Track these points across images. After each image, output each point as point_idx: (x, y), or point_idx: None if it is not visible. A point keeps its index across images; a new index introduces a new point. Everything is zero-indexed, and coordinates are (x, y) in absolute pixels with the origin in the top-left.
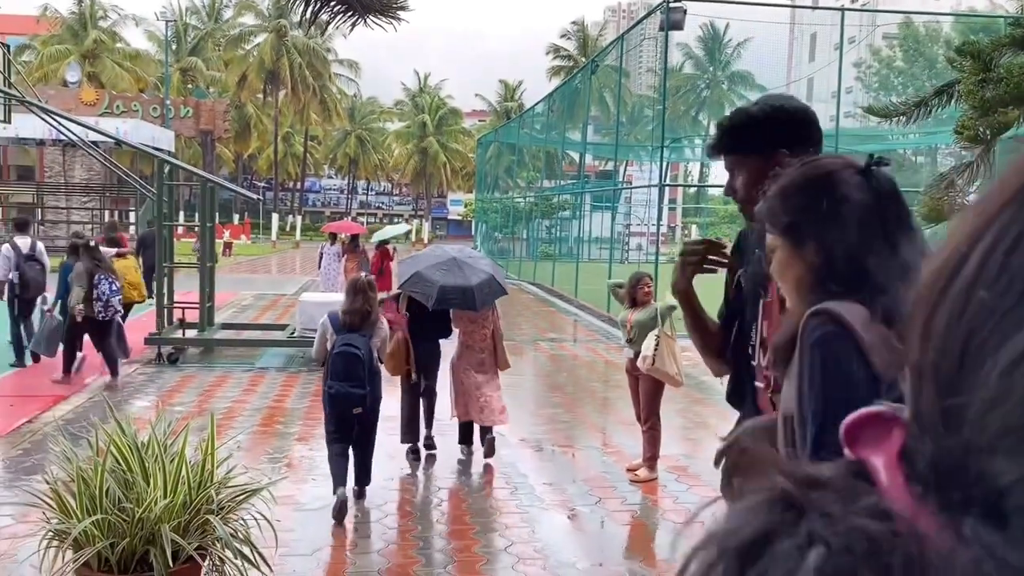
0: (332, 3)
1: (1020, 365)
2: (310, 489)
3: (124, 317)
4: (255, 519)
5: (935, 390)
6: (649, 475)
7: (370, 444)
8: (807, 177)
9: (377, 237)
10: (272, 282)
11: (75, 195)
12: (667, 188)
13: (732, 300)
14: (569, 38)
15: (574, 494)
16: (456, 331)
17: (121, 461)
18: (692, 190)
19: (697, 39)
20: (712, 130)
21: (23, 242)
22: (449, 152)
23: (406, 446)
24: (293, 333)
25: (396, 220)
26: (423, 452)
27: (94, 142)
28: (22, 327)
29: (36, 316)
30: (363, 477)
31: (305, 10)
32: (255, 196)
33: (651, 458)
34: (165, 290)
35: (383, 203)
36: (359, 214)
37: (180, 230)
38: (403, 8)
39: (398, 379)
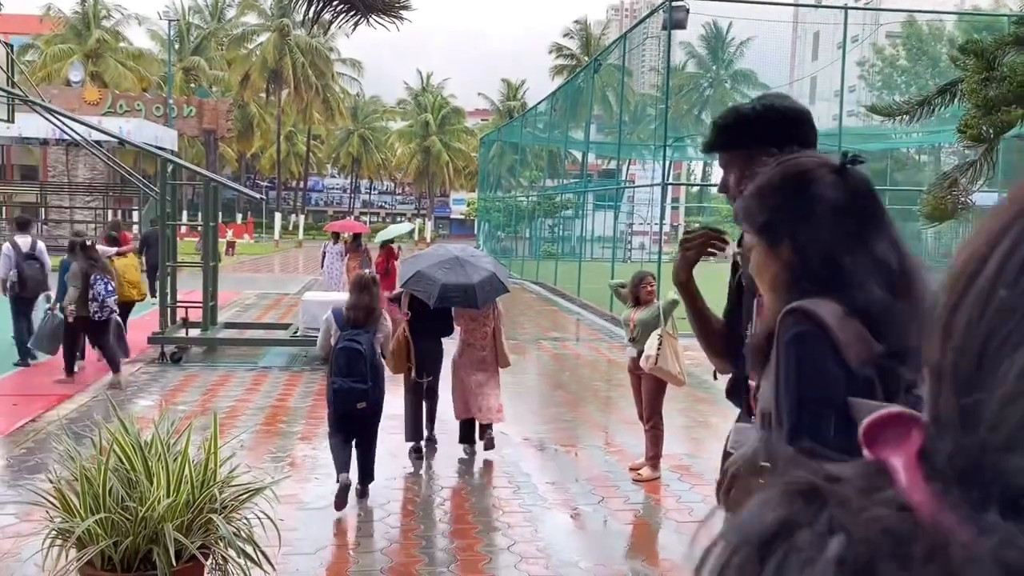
0: (335, 2)
1: None
2: (313, 488)
3: (126, 316)
4: (258, 518)
5: (954, 389)
6: (652, 474)
7: (372, 441)
8: (782, 176)
9: (381, 237)
10: (275, 281)
11: (78, 194)
12: (670, 187)
13: (734, 299)
14: (572, 37)
15: (577, 493)
16: (457, 329)
17: (124, 460)
18: (695, 189)
19: (700, 38)
20: None
21: (23, 241)
22: (452, 151)
23: (408, 445)
24: (296, 332)
25: (399, 219)
26: (425, 451)
27: (97, 141)
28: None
29: (39, 314)
30: (366, 476)
31: (308, 9)
32: (258, 195)
33: (654, 457)
34: (168, 289)
35: (386, 202)
36: (362, 213)
37: (183, 229)
38: (405, 7)
39: (401, 377)
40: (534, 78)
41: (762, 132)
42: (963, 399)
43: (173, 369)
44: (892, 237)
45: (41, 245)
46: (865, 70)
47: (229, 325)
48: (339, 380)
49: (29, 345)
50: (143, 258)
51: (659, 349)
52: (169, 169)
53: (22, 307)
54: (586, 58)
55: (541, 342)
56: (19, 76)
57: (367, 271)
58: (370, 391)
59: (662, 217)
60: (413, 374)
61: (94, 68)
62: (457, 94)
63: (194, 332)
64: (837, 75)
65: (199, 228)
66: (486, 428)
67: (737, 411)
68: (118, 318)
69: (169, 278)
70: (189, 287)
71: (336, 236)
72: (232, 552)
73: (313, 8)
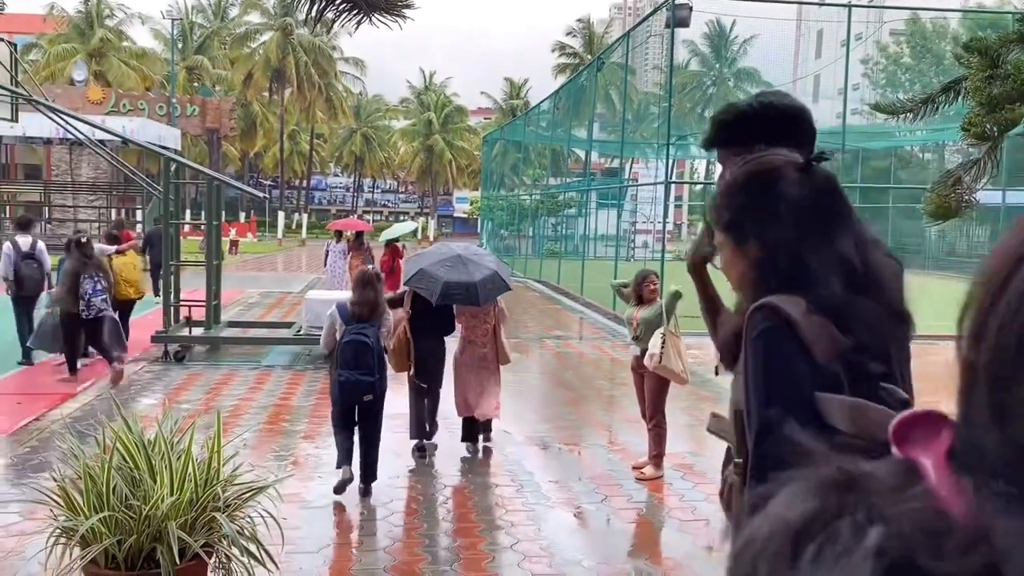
0: (337, 1)
1: None
2: (316, 487)
3: (127, 315)
4: (261, 517)
5: (988, 387)
6: (655, 473)
7: (376, 432)
8: (747, 175)
9: (386, 236)
10: (278, 280)
11: (82, 193)
12: (673, 185)
13: None
14: (575, 35)
15: (580, 492)
16: (459, 326)
17: (128, 459)
18: (698, 187)
19: (703, 36)
20: None
21: (24, 241)
22: (455, 150)
23: (412, 443)
24: (299, 331)
25: (402, 218)
26: (428, 449)
27: (101, 140)
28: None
29: (40, 314)
30: (369, 474)
31: (310, 8)
32: (261, 194)
33: (657, 456)
34: (172, 288)
35: (389, 201)
36: (365, 212)
37: (186, 228)
38: (408, 6)
39: (404, 376)
40: (537, 76)
41: (760, 129)
42: (997, 398)
43: (176, 368)
44: (857, 234)
45: (41, 245)
46: (869, 68)
47: (232, 324)
48: (346, 373)
49: (29, 344)
50: (147, 257)
51: (663, 347)
52: (172, 168)
53: (23, 306)
54: (589, 56)
55: (544, 341)
56: (23, 75)
57: (370, 267)
58: (377, 383)
59: (665, 215)
60: (412, 371)
61: (97, 67)
62: (460, 93)
63: (197, 331)
64: (841, 73)
65: (202, 227)
66: (487, 424)
67: None
68: (113, 315)
69: (172, 277)
70: (192, 286)
71: (339, 234)
72: (235, 550)
73: (316, 7)
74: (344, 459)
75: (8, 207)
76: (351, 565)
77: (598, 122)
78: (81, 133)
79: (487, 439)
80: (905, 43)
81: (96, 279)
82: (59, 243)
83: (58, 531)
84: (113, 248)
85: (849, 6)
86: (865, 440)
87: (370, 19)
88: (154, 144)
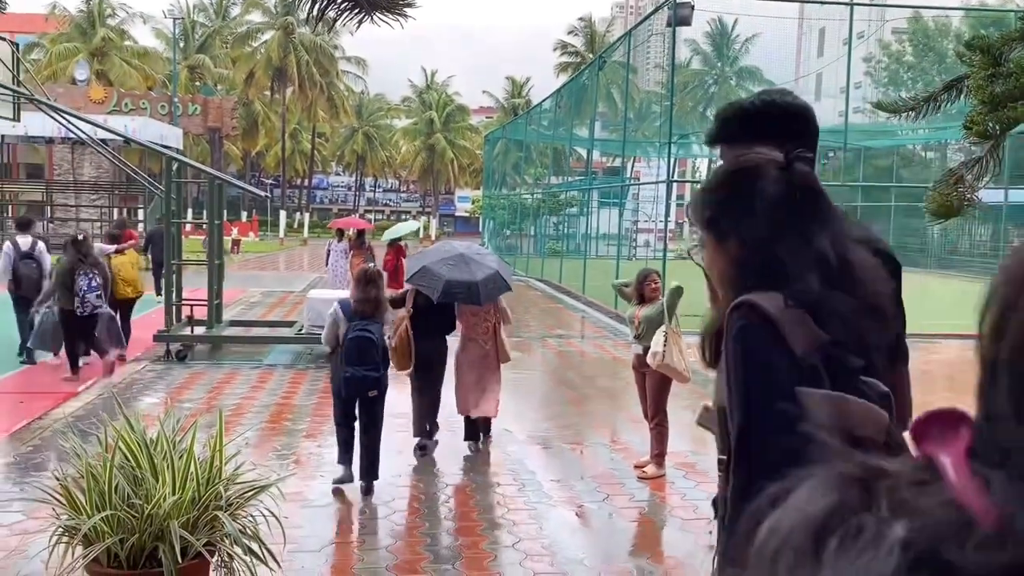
0: (339, 0)
1: None
2: (318, 486)
3: (127, 314)
4: (263, 515)
5: (1009, 385)
6: (657, 472)
7: (377, 432)
8: (728, 173)
9: (389, 235)
10: (280, 279)
11: (84, 193)
12: (675, 184)
13: None
14: (576, 34)
15: (582, 491)
16: (459, 325)
17: (130, 457)
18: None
19: (705, 35)
20: None
21: (24, 241)
22: (456, 149)
23: (414, 442)
24: (301, 330)
25: (404, 217)
26: (430, 448)
27: (103, 140)
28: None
29: (40, 313)
30: (370, 472)
31: (312, 7)
32: (263, 193)
33: (659, 455)
34: (173, 287)
35: (391, 200)
36: (367, 211)
37: (188, 227)
38: (410, 4)
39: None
40: (539, 76)
41: (762, 127)
42: (1019, 394)
43: (178, 367)
44: (835, 232)
45: (41, 245)
46: (871, 66)
47: (234, 323)
48: (351, 369)
49: (29, 344)
50: (148, 256)
51: (665, 346)
52: (174, 167)
53: (23, 306)
54: (591, 55)
55: (546, 339)
56: (25, 75)
57: (371, 265)
58: (381, 379)
59: (667, 214)
60: (412, 367)
61: (99, 66)
62: (461, 92)
63: (199, 330)
64: (843, 71)
65: (204, 226)
66: (487, 423)
67: None
68: (109, 311)
69: (174, 276)
70: (194, 285)
71: (340, 234)
72: (238, 549)
73: (317, 6)
74: (344, 455)
75: (10, 206)
76: (353, 564)
77: (600, 121)
78: (83, 132)
79: (487, 439)
80: (907, 41)
81: (91, 276)
82: (60, 243)
83: (60, 530)
84: (113, 248)
85: (851, 4)
86: (844, 434)
87: (372, 18)
88: (156, 143)
